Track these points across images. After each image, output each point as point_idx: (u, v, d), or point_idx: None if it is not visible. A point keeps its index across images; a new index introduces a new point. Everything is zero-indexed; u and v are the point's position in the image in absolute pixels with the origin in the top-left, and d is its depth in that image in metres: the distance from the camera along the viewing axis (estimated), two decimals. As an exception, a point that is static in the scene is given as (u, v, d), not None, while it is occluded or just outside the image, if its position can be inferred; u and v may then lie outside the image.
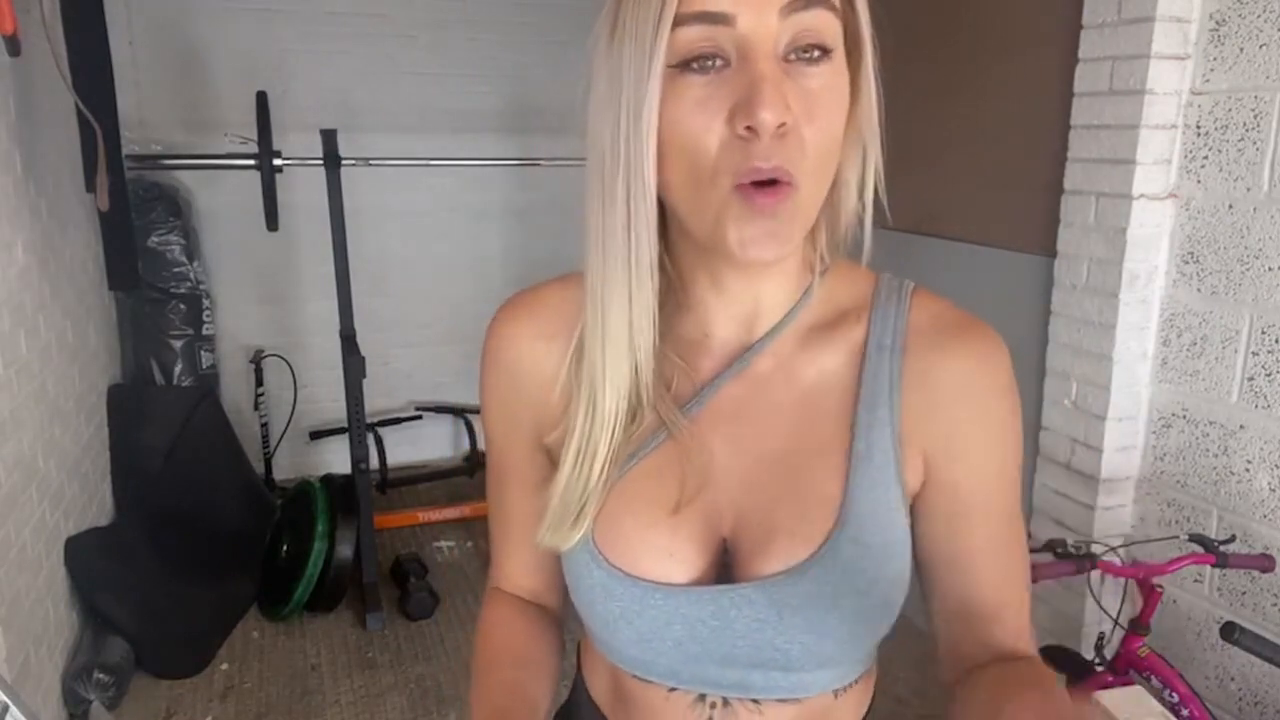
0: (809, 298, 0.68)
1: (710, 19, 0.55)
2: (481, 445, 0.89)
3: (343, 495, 3.06)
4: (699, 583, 0.66)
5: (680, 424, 0.66)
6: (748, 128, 0.55)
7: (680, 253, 0.67)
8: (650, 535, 0.66)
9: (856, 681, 0.71)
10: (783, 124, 0.55)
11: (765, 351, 0.68)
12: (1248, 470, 1.96)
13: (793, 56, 0.57)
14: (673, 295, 0.68)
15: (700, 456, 0.66)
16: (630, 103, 0.57)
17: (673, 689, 0.69)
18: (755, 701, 0.68)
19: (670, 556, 0.66)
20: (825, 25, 0.57)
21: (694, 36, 0.56)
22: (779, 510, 0.65)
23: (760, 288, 0.67)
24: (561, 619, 0.82)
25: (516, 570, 0.79)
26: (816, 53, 0.57)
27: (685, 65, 0.57)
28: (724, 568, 0.66)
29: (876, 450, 0.65)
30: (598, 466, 0.65)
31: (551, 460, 0.71)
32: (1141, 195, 2.06)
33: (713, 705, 0.68)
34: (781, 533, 0.65)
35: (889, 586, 0.65)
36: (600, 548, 0.66)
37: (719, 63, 0.57)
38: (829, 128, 0.59)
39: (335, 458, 4.05)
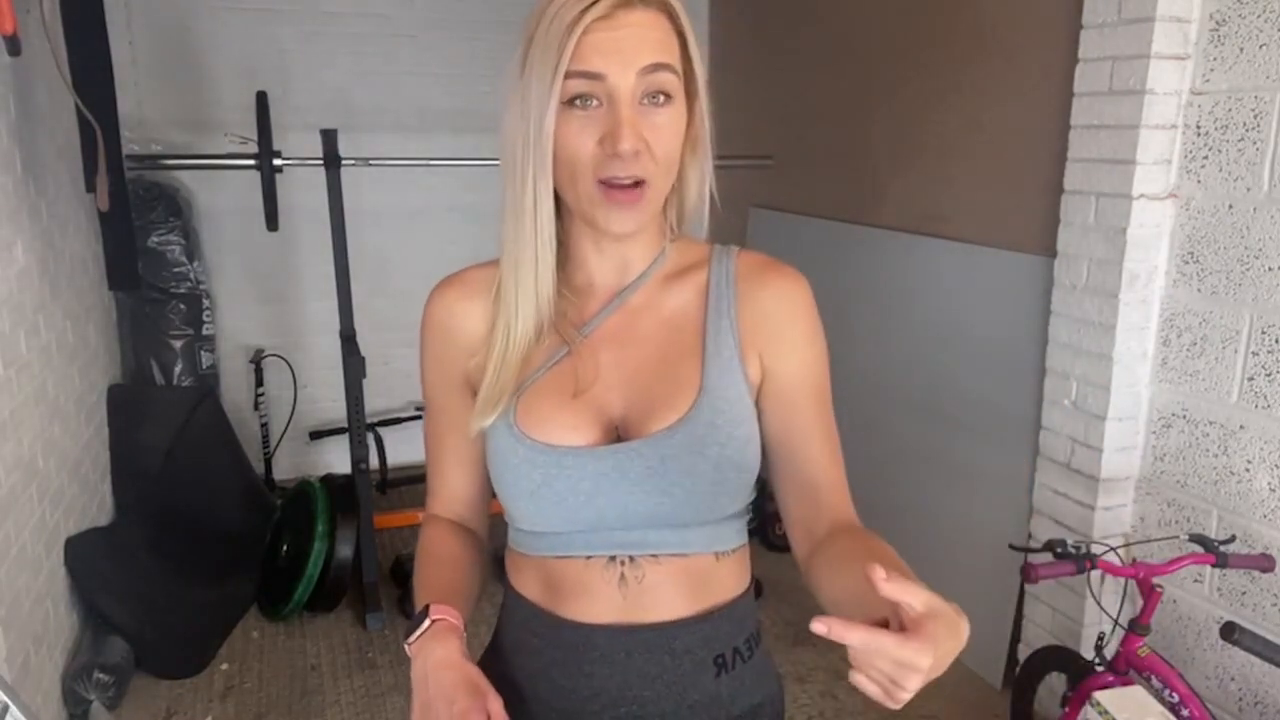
0: (664, 256, 0.95)
1: (589, 75, 0.80)
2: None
3: (343, 495, 3.06)
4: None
5: (575, 337, 0.91)
6: (614, 153, 0.81)
7: (570, 226, 0.92)
8: (558, 414, 0.89)
9: (732, 553, 0.94)
10: (637, 150, 0.81)
11: (635, 293, 0.94)
12: (1248, 470, 1.96)
13: (645, 101, 0.82)
14: (565, 254, 0.93)
15: (591, 359, 0.91)
16: (535, 127, 0.82)
17: (588, 557, 0.90)
18: (654, 556, 0.89)
19: (575, 429, 0.89)
20: (668, 81, 0.83)
21: (578, 85, 0.81)
22: (655, 394, 0.89)
23: (628, 249, 0.93)
24: (484, 538, 1.04)
25: (449, 498, 1.01)
26: (662, 98, 0.83)
27: (571, 102, 0.82)
28: (617, 439, 0.89)
29: (724, 348, 0.91)
30: (510, 369, 0.89)
31: (474, 390, 0.93)
32: (1141, 195, 2.06)
33: (622, 563, 0.89)
34: (658, 406, 0.88)
35: (743, 444, 0.89)
36: (521, 427, 0.89)
37: (595, 102, 0.82)
38: (671, 147, 0.85)
39: (335, 458, 4.05)
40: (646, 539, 0.89)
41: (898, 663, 0.61)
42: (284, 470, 3.99)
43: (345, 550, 2.95)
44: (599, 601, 0.90)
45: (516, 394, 0.90)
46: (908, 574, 0.75)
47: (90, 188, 2.39)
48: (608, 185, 0.83)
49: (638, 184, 0.83)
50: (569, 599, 0.91)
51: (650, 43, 0.82)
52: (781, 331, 0.93)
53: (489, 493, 0.99)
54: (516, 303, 0.89)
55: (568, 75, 0.80)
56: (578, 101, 0.81)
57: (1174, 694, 1.77)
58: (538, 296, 0.89)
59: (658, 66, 0.82)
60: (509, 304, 0.89)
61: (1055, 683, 2.12)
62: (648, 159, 0.83)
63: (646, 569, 0.89)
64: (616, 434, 0.89)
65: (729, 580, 0.94)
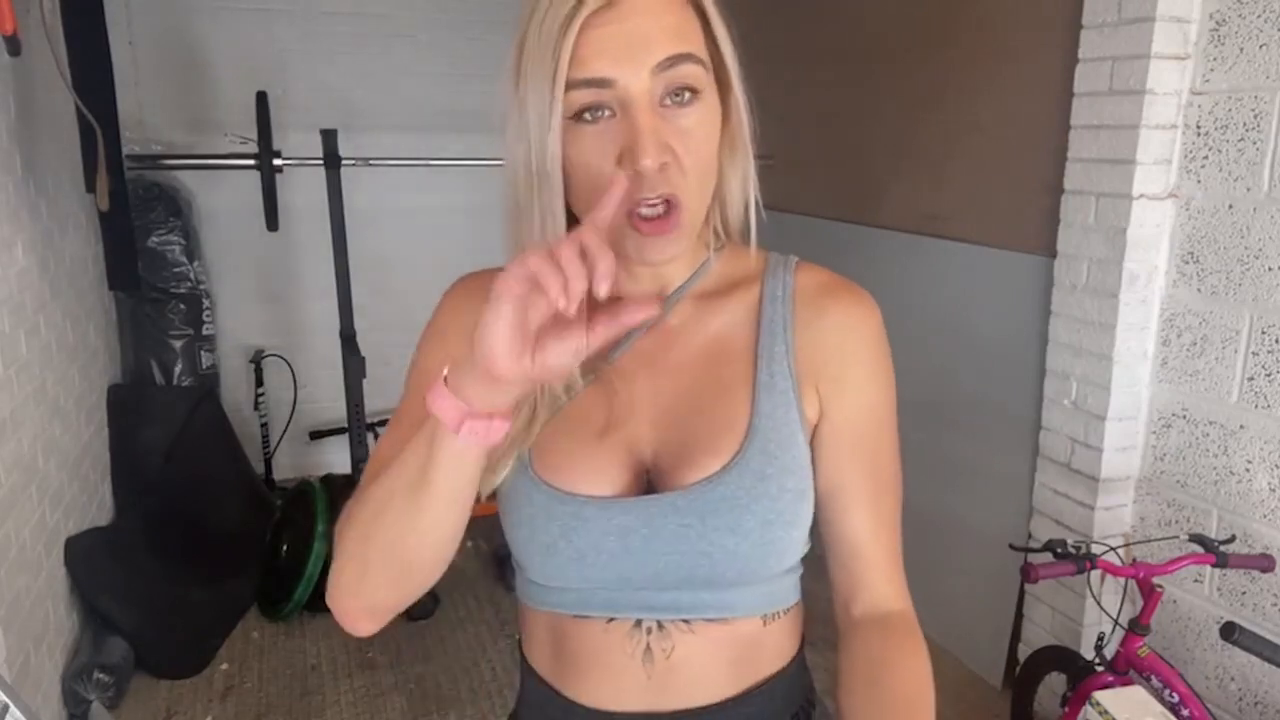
0: (708, 266, 0.81)
1: (595, 83, 0.66)
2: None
3: (343, 495, 3.05)
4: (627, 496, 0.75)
5: (602, 366, 0.77)
6: (634, 171, 0.67)
7: None
8: (581, 457, 0.76)
9: (784, 614, 0.81)
10: (664, 164, 0.67)
11: (673, 310, 0.80)
12: (1248, 470, 1.96)
13: (668, 101, 0.68)
14: None
15: (623, 390, 0.77)
16: (536, 145, 0.68)
17: (610, 619, 0.77)
18: (686, 622, 0.76)
19: (600, 474, 0.75)
20: (692, 74, 0.69)
21: (583, 96, 0.67)
22: (695, 433, 0.76)
23: (663, 265, 0.77)
24: None
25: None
26: (687, 95, 0.69)
27: (579, 115, 0.68)
28: (649, 487, 0.76)
29: (778, 379, 0.77)
30: (537, 418, 0.75)
31: None
32: (1141, 195, 2.06)
33: (648, 630, 0.76)
34: (698, 450, 0.75)
35: (795, 497, 0.76)
36: (538, 472, 0.76)
37: (607, 113, 0.68)
38: (704, 153, 0.71)
39: (335, 458, 4.05)
40: (680, 601, 0.76)
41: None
42: (284, 470, 3.98)
43: (345, 550, 2.95)
44: (619, 682, 0.77)
45: None
46: None
47: (90, 188, 2.39)
48: (634, 214, 0.69)
49: (668, 206, 0.69)
50: (584, 676, 0.79)
51: (664, 31, 0.67)
52: (845, 369, 0.79)
53: None
54: None
55: (568, 86, 0.66)
56: (586, 115, 0.68)
57: (1174, 694, 1.77)
58: None
59: (676, 59, 0.67)
60: None
61: (1055, 683, 2.12)
62: (676, 172, 0.69)
63: (677, 640, 0.76)
64: (647, 477, 0.76)
65: (779, 647, 0.81)
